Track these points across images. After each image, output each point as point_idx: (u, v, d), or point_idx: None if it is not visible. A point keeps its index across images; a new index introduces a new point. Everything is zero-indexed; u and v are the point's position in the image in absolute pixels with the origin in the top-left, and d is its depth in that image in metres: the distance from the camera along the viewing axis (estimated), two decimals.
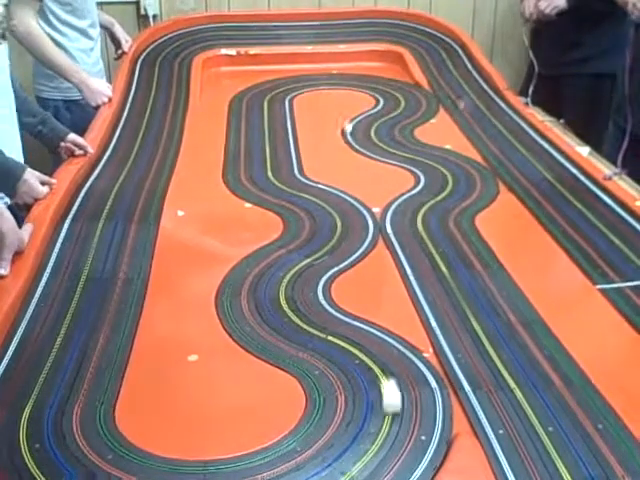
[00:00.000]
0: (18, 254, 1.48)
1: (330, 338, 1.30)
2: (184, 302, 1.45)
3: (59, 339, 1.30)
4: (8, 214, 1.45)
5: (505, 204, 1.86)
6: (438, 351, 1.27)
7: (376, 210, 1.80)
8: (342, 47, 3.10)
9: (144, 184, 1.94)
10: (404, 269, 1.55)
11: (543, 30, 2.89)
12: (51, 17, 2.50)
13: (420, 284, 1.48)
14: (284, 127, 2.41)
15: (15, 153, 1.96)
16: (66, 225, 1.68)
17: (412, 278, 1.51)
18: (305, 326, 1.34)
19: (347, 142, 2.28)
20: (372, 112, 2.54)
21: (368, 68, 3.00)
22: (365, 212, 1.80)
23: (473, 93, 2.68)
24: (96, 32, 2.71)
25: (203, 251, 1.66)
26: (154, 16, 3.38)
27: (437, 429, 1.08)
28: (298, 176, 2.03)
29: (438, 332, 1.32)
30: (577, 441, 1.04)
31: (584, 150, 2.15)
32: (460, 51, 3.01)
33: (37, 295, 1.42)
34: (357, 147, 2.24)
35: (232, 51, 3.03)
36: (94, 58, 2.70)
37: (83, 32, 2.61)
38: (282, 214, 1.80)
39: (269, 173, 2.05)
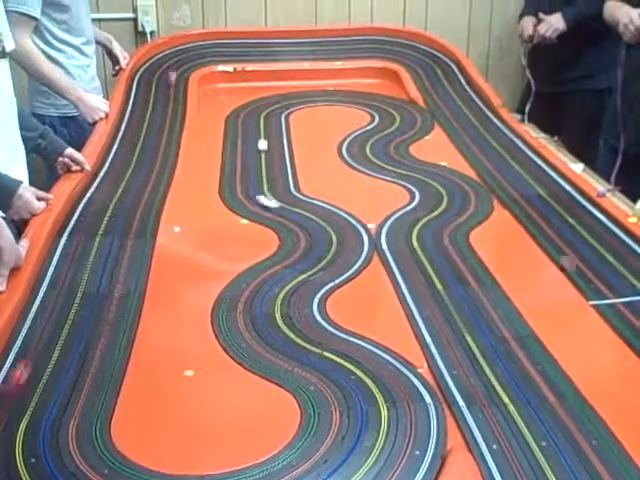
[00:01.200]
0: (15, 270, 1.49)
1: (325, 354, 1.31)
2: (180, 317, 1.46)
3: (56, 354, 1.30)
4: (7, 230, 1.46)
5: (499, 221, 1.87)
6: (432, 367, 1.28)
7: (371, 226, 1.81)
8: (338, 64, 3.12)
9: (141, 200, 1.95)
10: (399, 285, 1.56)
11: (541, 50, 2.92)
12: (47, 35, 2.52)
13: (415, 300, 1.49)
14: (280, 144, 2.42)
15: (20, 168, 1.98)
16: (63, 240, 1.69)
17: (407, 294, 1.52)
18: (300, 342, 1.35)
19: (343, 158, 2.29)
20: (367, 129, 2.56)
21: (364, 85, 3.02)
22: (360, 228, 1.81)
23: (468, 110, 2.70)
24: (92, 49, 2.73)
25: (199, 267, 1.67)
26: (151, 32, 3.40)
27: (431, 444, 1.08)
28: (294, 192, 2.04)
29: (432, 348, 1.33)
30: (571, 457, 1.05)
31: (578, 167, 2.17)
32: (455, 68, 3.04)
33: (34, 310, 1.43)
34: (352, 163, 2.25)
35: (229, 67, 3.05)
36: (90, 75, 2.72)
37: (78, 49, 2.63)
38: (278, 230, 1.81)
39: (265, 189, 2.06)
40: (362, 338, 1.36)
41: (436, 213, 1.89)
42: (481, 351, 1.31)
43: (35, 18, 2.41)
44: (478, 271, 1.60)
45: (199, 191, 2.06)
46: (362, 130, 2.53)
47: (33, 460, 1.05)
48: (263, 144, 2.36)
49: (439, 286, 1.54)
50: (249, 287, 1.54)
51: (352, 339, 1.36)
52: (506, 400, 1.17)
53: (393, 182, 2.11)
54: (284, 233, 1.79)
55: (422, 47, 3.21)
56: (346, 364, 1.29)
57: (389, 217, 1.86)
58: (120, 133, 2.44)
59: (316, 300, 1.49)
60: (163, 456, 1.08)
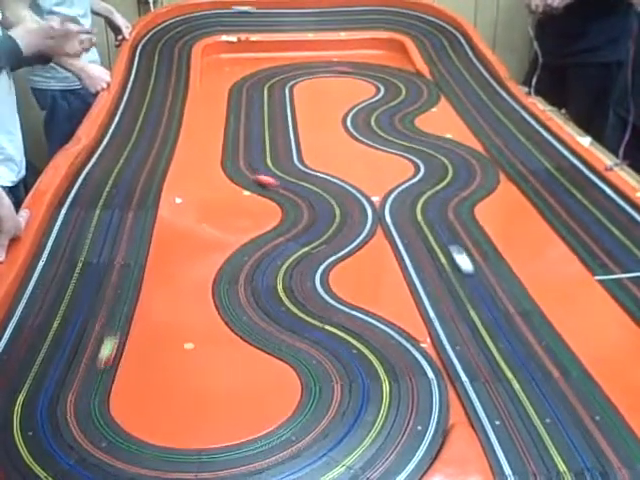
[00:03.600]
0: (14, 240, 1.47)
1: (327, 327, 1.29)
2: (181, 290, 1.45)
3: (55, 325, 1.29)
4: (7, 200, 1.44)
5: (505, 194, 1.85)
6: (436, 341, 1.26)
7: (375, 199, 1.79)
8: (343, 35, 3.08)
9: (142, 171, 1.93)
10: (403, 259, 1.54)
11: (548, 21, 2.87)
12: (41, 7, 2.49)
13: (418, 274, 1.47)
14: (284, 115, 2.39)
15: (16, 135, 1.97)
16: (63, 211, 1.67)
17: (410, 268, 1.50)
18: (302, 315, 1.33)
19: (347, 130, 2.26)
20: (372, 100, 2.52)
21: (369, 56, 2.98)
22: (364, 201, 1.78)
23: (475, 82, 2.66)
24: (88, 22, 2.69)
25: (201, 239, 1.65)
26: (154, 2, 3.36)
27: (433, 419, 1.07)
28: (297, 164, 2.02)
29: (436, 322, 1.32)
30: (574, 433, 1.04)
31: (585, 140, 2.14)
32: (462, 40, 2.99)
33: (33, 281, 1.42)
34: (357, 135, 2.22)
35: (233, 38, 3.01)
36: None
37: (74, 22, 2.59)
38: (281, 202, 1.78)
39: (268, 161, 2.03)
40: (365, 312, 1.34)
41: (441, 186, 1.87)
42: (485, 326, 1.30)
43: None
44: (483, 245, 1.58)
45: (201, 162, 2.04)
46: (367, 102, 2.50)
47: (30, 433, 1.04)
48: None
49: (443, 260, 1.52)
50: (251, 259, 1.52)
51: (354, 313, 1.34)
52: (509, 376, 1.16)
53: (398, 154, 2.08)
54: (287, 205, 1.76)
55: (428, 18, 3.16)
56: (348, 338, 1.27)
57: (393, 190, 1.84)
58: (122, 104, 2.41)
59: (319, 273, 1.47)
60: (162, 430, 1.07)
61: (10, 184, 2.00)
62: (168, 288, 1.45)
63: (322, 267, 1.49)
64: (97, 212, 1.69)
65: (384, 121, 2.33)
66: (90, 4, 2.75)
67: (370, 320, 1.32)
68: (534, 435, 1.03)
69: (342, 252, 1.56)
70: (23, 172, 2.09)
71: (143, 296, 1.40)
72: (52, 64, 2.45)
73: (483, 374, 1.17)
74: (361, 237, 1.62)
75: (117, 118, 2.29)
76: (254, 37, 3.02)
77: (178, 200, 1.78)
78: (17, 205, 1.64)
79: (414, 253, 1.55)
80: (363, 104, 2.48)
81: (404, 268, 1.50)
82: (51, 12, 2.47)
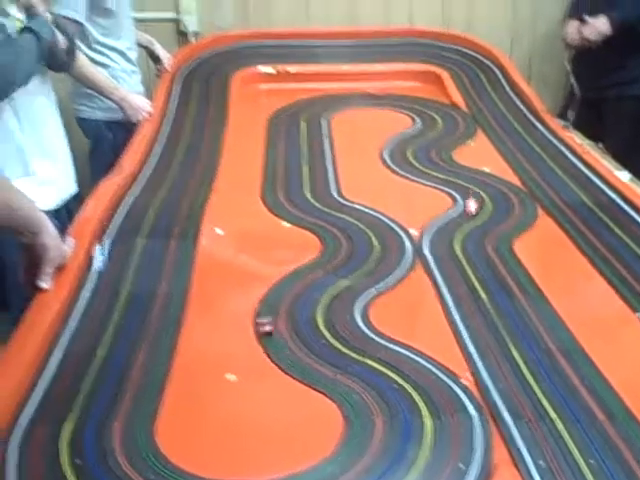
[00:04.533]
0: (60, 269, 1.50)
1: (368, 361, 1.30)
2: (223, 320, 1.46)
3: (100, 355, 1.31)
4: (52, 228, 1.47)
5: (544, 229, 1.85)
6: (477, 378, 1.26)
7: (413, 232, 1.80)
8: (379, 66, 3.11)
9: (183, 201, 1.96)
10: (442, 293, 1.54)
11: (585, 54, 2.88)
12: (91, 39, 2.55)
13: (458, 308, 1.48)
14: (321, 146, 2.42)
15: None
16: (107, 240, 1.70)
17: (450, 302, 1.50)
18: (343, 349, 1.34)
19: (384, 162, 2.28)
20: (409, 132, 2.54)
21: (405, 88, 3.01)
22: (402, 234, 1.79)
23: (511, 115, 2.67)
24: (135, 55, 2.75)
25: (241, 270, 1.67)
26: (193, 33, 3.42)
27: (476, 458, 1.07)
28: (335, 196, 2.04)
29: (477, 358, 1.32)
30: (619, 475, 1.03)
31: (624, 175, 2.13)
32: (498, 72, 3.01)
33: (78, 310, 1.44)
34: (394, 167, 2.24)
35: (270, 69, 3.05)
36: (135, 80, 2.75)
37: (122, 54, 2.67)
38: (320, 234, 1.80)
39: (307, 192, 2.05)
40: (405, 346, 1.35)
41: (479, 220, 1.87)
42: (526, 363, 1.30)
43: (80, 23, 2.44)
44: (522, 280, 1.58)
45: (241, 193, 2.06)
46: (404, 134, 2.52)
47: (78, 461, 1.06)
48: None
49: (483, 295, 1.52)
50: (291, 291, 1.54)
51: (395, 347, 1.35)
52: (553, 415, 1.15)
53: (435, 187, 2.09)
54: (326, 238, 1.78)
55: (464, 50, 3.19)
56: (389, 372, 1.28)
57: (431, 223, 1.85)
58: (162, 134, 2.45)
59: (358, 306, 1.48)
60: (206, 461, 1.08)
61: (53, 208, 2.05)
62: (210, 318, 1.47)
63: (362, 300, 1.50)
64: (140, 241, 1.71)
65: (421, 153, 2.34)
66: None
67: (410, 354, 1.33)
68: (578, 477, 1.03)
69: (381, 285, 1.56)
70: (67, 197, 2.14)
71: (186, 326, 1.41)
72: (96, 94, 2.52)
73: (526, 413, 1.16)
74: (400, 270, 1.63)
75: (158, 148, 2.33)
76: (291, 68, 3.06)
77: (219, 231, 1.80)
78: (61, 230, 1.68)
79: (453, 287, 1.56)
80: (400, 136, 2.50)
81: (443, 302, 1.51)
82: (98, 43, 2.53)
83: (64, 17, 2.23)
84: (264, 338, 1.37)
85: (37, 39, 1.88)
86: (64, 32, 2.01)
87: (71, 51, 2.06)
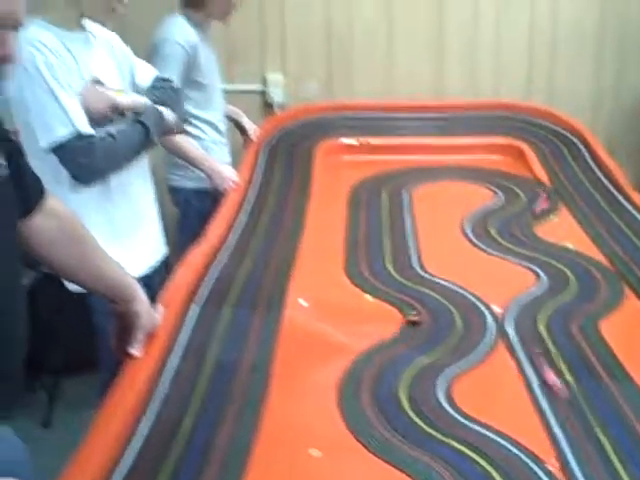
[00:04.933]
0: (150, 335, 1.55)
1: (452, 442, 1.29)
2: (306, 393, 1.48)
3: (187, 424, 1.34)
4: (144, 296, 1.52)
5: (631, 309, 1.82)
6: (563, 463, 1.24)
7: (496, 309, 1.79)
8: (462, 139, 3.14)
9: (268, 271, 2.00)
10: (525, 373, 1.53)
11: None
12: None
13: (543, 390, 1.46)
14: (403, 218, 2.45)
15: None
16: (194, 309, 1.74)
17: (534, 383, 1.49)
18: (426, 427, 1.34)
19: (466, 236, 2.29)
20: (491, 206, 2.55)
21: (487, 161, 3.03)
22: (485, 310, 1.79)
23: (595, 190, 2.65)
24: (224, 126, 2.86)
25: (325, 342, 1.69)
26: (279, 104, 3.53)
27: None
28: (417, 269, 2.05)
29: (563, 443, 1.30)
30: None
31: None
32: (581, 146, 3.00)
33: (167, 378, 1.48)
34: (476, 242, 2.25)
35: (354, 140, 3.12)
36: (224, 151, 2.84)
37: (213, 126, 2.77)
38: (402, 308, 1.81)
39: (389, 265, 2.08)
40: (488, 427, 1.34)
41: (563, 298, 1.86)
42: (615, 450, 1.27)
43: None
44: (609, 363, 1.55)
45: (324, 264, 2.10)
46: (485, 207, 2.53)
47: None
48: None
49: (568, 377, 1.50)
50: (373, 366, 1.55)
51: (478, 428, 1.34)
52: None
53: (518, 263, 2.08)
54: (407, 311, 1.79)
55: (547, 124, 3.19)
56: (472, 454, 1.27)
57: (514, 300, 1.84)
58: (248, 203, 2.52)
59: (441, 384, 1.48)
60: None
61: (143, 274, 2.11)
62: (294, 390, 1.49)
63: (444, 378, 1.50)
64: (226, 310, 1.75)
65: (503, 228, 2.34)
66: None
67: (494, 436, 1.31)
68: None
69: (464, 363, 1.56)
70: (156, 264, 2.21)
71: (270, 397, 1.43)
72: (186, 164, 2.62)
73: None
74: (483, 348, 1.62)
75: (243, 217, 2.39)
76: (374, 140, 3.12)
77: (302, 302, 1.83)
78: (150, 297, 1.73)
79: (538, 368, 1.54)
80: (481, 209, 2.51)
81: (528, 383, 1.49)
82: (191, 115, 2.63)
83: (164, 79, 2.30)
84: (349, 415, 1.38)
85: (146, 132, 2.00)
86: (173, 106, 2.12)
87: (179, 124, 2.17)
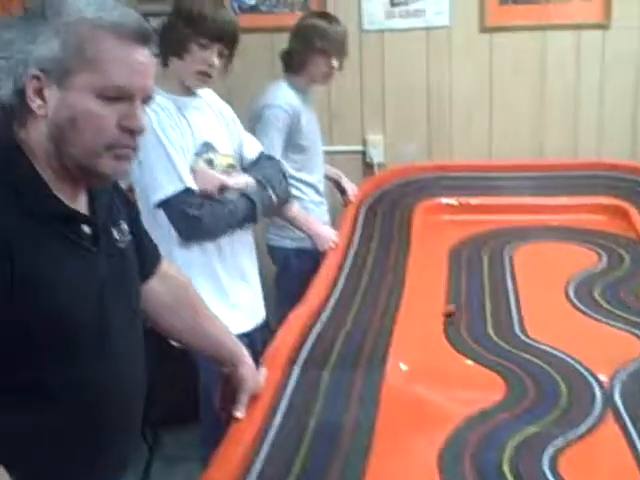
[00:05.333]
0: (253, 397, 1.58)
1: None
2: (408, 459, 1.47)
3: None
4: (250, 360, 1.57)
5: None
6: None
7: (603, 378, 1.75)
8: (563, 199, 3.10)
9: (368, 333, 2.01)
10: (636, 446, 1.48)
11: None
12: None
13: None
14: (504, 281, 2.42)
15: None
16: (296, 371, 1.77)
17: None
18: None
19: (570, 300, 2.24)
20: (595, 269, 2.49)
21: (590, 221, 2.97)
22: (591, 379, 1.75)
23: None
24: (323, 187, 2.92)
25: (425, 407, 1.68)
26: (379, 164, 3.57)
27: None
28: (519, 334, 2.02)
29: None
30: None
31: None
32: None
33: (269, 439, 1.50)
34: (580, 306, 2.20)
35: (453, 200, 3.12)
36: (322, 210, 2.90)
37: (313, 187, 2.84)
38: (504, 374, 1.79)
39: (490, 329, 2.05)
40: None
41: None
42: None
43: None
44: None
45: (424, 327, 2.09)
46: (589, 270, 2.48)
47: None
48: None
49: None
50: (476, 434, 1.53)
51: None
52: None
53: (624, 330, 2.03)
54: (510, 378, 1.76)
55: None
56: None
57: (622, 369, 1.78)
58: (347, 264, 2.54)
59: (546, 456, 1.44)
60: None
61: (246, 331, 2.17)
62: (395, 455, 1.48)
63: (550, 449, 1.47)
64: (327, 373, 1.77)
65: (608, 292, 2.29)
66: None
67: None
68: None
69: (570, 434, 1.52)
70: (259, 322, 2.26)
71: (372, 461, 1.43)
72: (286, 224, 2.68)
73: None
74: (590, 419, 1.58)
75: (342, 278, 2.41)
76: (474, 200, 3.11)
77: (403, 366, 1.83)
78: (253, 353, 1.77)
79: None
80: (585, 272, 2.46)
81: (637, 456, 1.44)
82: (292, 177, 2.70)
83: (269, 157, 2.38)
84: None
85: (252, 207, 2.10)
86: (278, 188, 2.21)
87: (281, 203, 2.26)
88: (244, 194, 2.10)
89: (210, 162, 2.12)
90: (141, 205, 2.07)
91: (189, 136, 2.06)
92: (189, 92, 2.13)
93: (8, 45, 1.14)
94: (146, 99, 1.21)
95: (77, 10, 1.14)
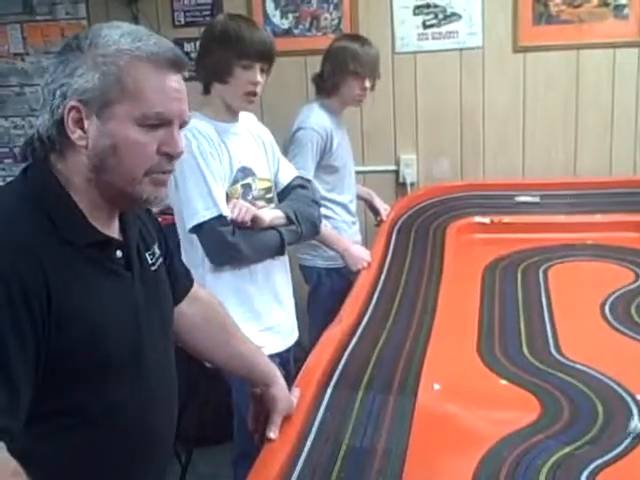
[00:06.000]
0: (286, 418, 1.58)
1: None
2: None
3: None
4: (283, 381, 1.57)
5: None
6: None
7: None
8: (598, 217, 3.07)
9: (401, 352, 2.00)
10: None
11: None
12: (316, 195, 2.74)
13: None
14: (539, 299, 2.40)
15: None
16: (328, 392, 1.76)
17: None
18: None
19: (605, 319, 2.22)
20: (631, 287, 2.46)
21: (627, 239, 2.93)
22: (629, 399, 1.72)
23: None
24: (354, 206, 2.93)
25: (459, 428, 1.67)
26: (411, 184, 3.58)
27: None
28: (554, 354, 2.00)
29: None
30: None
31: None
32: None
33: (301, 461, 1.49)
34: (616, 325, 2.17)
35: (486, 219, 3.11)
36: (354, 230, 2.91)
37: (345, 207, 2.85)
38: (538, 394, 1.76)
39: (524, 348, 2.03)
40: None
41: None
42: None
43: (308, 180, 2.64)
44: None
45: (457, 346, 2.08)
46: (626, 289, 2.44)
47: None
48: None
49: None
50: (511, 455, 1.51)
51: None
52: None
53: None
54: (545, 398, 1.74)
55: None
56: None
57: None
58: (380, 283, 2.54)
59: (583, 478, 1.42)
60: None
61: (280, 351, 2.18)
62: (428, 478, 1.47)
63: (587, 471, 1.44)
64: (359, 394, 1.76)
65: None
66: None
67: None
68: None
69: (607, 456, 1.49)
70: (292, 342, 2.26)
71: None
72: (319, 243, 2.69)
73: None
74: (627, 440, 1.55)
75: (375, 298, 2.41)
76: (507, 219, 3.09)
77: (436, 386, 1.82)
78: (285, 373, 1.77)
79: None
80: (621, 291, 2.42)
81: None
82: (324, 198, 2.72)
83: (302, 186, 2.39)
84: None
85: (281, 242, 2.14)
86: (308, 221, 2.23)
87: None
88: (276, 229, 2.12)
89: (248, 186, 2.14)
90: (179, 228, 2.10)
91: (227, 163, 2.09)
92: (231, 117, 2.16)
93: (47, 79, 1.18)
94: (182, 124, 1.23)
95: (113, 42, 1.17)
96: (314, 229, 2.29)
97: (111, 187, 1.19)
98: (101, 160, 1.17)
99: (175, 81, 1.20)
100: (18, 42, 3.88)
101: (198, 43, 2.25)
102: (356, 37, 2.95)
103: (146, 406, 1.27)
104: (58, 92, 1.16)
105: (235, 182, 2.11)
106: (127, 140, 1.16)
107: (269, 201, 2.22)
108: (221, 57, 2.08)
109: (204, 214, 2.02)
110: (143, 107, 1.16)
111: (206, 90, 2.14)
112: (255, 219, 2.06)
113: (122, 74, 1.15)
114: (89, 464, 1.21)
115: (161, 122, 1.19)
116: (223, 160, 2.07)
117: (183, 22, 3.71)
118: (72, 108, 1.15)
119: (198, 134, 2.03)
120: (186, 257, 2.09)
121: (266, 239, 2.11)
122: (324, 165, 2.75)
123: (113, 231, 1.26)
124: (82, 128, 1.16)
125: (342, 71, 2.78)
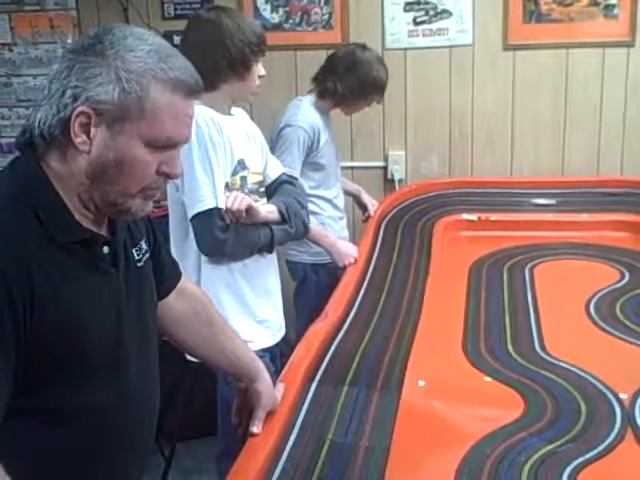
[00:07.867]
0: (270, 413, 1.58)
1: None
2: (424, 477, 1.46)
3: None
4: (268, 376, 1.57)
5: None
6: None
7: (624, 396, 1.72)
8: (585, 216, 3.07)
9: (386, 349, 2.00)
10: None
11: None
12: None
13: None
14: (524, 297, 2.40)
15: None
16: (313, 387, 1.76)
17: None
18: None
19: (590, 318, 2.22)
20: (617, 286, 2.47)
21: (612, 238, 2.94)
22: (612, 397, 1.72)
23: None
24: (341, 202, 2.92)
25: (443, 424, 1.67)
26: (399, 180, 3.58)
27: None
28: (539, 351, 2.00)
29: None
30: None
31: None
32: None
33: (284, 456, 1.49)
34: (601, 324, 2.18)
35: (473, 216, 3.11)
36: (341, 225, 2.91)
37: (330, 202, 2.85)
38: (522, 392, 1.77)
39: (509, 346, 2.04)
40: None
41: None
42: None
43: (295, 178, 2.64)
44: None
45: (443, 343, 2.08)
46: (611, 287, 2.45)
47: None
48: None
49: None
50: (494, 453, 1.51)
51: None
52: None
53: None
54: (529, 396, 1.75)
55: None
56: None
57: None
58: (366, 279, 2.54)
59: (565, 475, 1.43)
60: None
61: (269, 346, 2.18)
62: (411, 473, 1.48)
63: (569, 469, 1.45)
64: (344, 389, 1.76)
65: (630, 310, 2.26)
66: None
67: None
68: None
69: (589, 454, 1.50)
70: (279, 338, 2.26)
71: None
72: (305, 240, 2.68)
73: None
74: (610, 438, 1.56)
75: (362, 294, 2.41)
76: (494, 216, 3.10)
77: (421, 383, 1.82)
78: (275, 370, 1.77)
79: None
80: (607, 290, 2.43)
81: None
82: (309, 195, 2.71)
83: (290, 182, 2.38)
84: None
85: (271, 239, 2.15)
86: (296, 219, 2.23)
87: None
88: (267, 226, 2.12)
89: (244, 179, 2.14)
90: (172, 215, 2.10)
91: (229, 153, 2.08)
92: (228, 111, 2.16)
93: (58, 74, 1.15)
94: (184, 142, 1.23)
95: (140, 59, 1.14)
96: (304, 229, 2.28)
97: (104, 195, 1.19)
98: (102, 171, 1.16)
99: (190, 107, 1.21)
100: (6, 32, 3.85)
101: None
102: (382, 61, 2.92)
103: (125, 404, 1.27)
104: (69, 92, 1.13)
105: (235, 173, 2.11)
106: (134, 158, 1.16)
107: (262, 195, 2.21)
108: (238, 52, 2.06)
109: (205, 204, 2.02)
110: (157, 130, 1.16)
111: (213, 87, 2.08)
112: (250, 209, 2.06)
113: (143, 94, 1.14)
114: (68, 461, 1.20)
115: (168, 145, 1.19)
116: (227, 151, 2.07)
117: (173, 14, 3.70)
118: (82, 113, 1.13)
119: (210, 121, 2.02)
120: (180, 247, 2.09)
121: (256, 238, 2.10)
122: (310, 162, 2.75)
123: (101, 227, 1.25)
124: (87, 133, 1.14)
125: (363, 98, 2.81)
